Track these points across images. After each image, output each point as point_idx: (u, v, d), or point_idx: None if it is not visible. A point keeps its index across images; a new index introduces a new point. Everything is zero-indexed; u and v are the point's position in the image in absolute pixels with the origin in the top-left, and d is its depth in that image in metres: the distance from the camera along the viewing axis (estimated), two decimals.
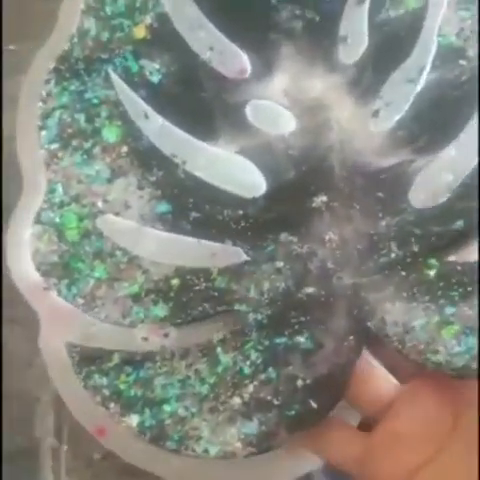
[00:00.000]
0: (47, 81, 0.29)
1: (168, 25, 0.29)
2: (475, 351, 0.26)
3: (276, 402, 0.26)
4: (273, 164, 0.28)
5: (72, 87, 0.28)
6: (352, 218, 0.27)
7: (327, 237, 0.27)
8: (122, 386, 0.27)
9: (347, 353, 0.26)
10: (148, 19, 0.29)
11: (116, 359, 0.28)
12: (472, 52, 0.28)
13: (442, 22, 0.28)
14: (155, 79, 0.29)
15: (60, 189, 0.28)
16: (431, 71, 0.28)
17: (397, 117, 0.27)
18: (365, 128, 0.27)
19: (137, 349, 0.27)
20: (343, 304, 0.27)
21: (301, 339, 0.27)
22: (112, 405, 0.27)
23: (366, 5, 0.29)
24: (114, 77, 0.28)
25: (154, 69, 0.29)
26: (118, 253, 0.28)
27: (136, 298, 0.28)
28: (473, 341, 0.26)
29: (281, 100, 0.28)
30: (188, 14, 0.29)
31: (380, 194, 0.27)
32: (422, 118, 0.27)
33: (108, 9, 0.28)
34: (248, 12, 0.29)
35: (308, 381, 0.26)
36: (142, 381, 0.27)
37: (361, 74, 0.28)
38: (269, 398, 0.27)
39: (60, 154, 0.28)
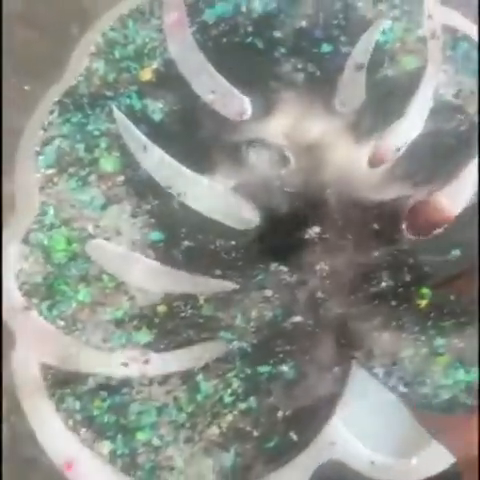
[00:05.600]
0: (51, 112, 0.38)
1: (173, 69, 0.39)
2: (463, 385, 0.34)
3: (255, 433, 0.33)
4: (268, 200, 0.37)
5: (74, 119, 0.38)
6: (345, 249, 0.35)
7: (318, 267, 0.35)
8: (96, 411, 0.34)
9: (331, 385, 0.34)
10: (155, 64, 0.40)
11: (91, 383, 0.34)
12: (471, 109, 0.38)
13: (440, 83, 0.39)
14: (157, 117, 0.38)
15: (51, 212, 0.37)
16: (429, 120, 0.38)
17: (394, 157, 0.37)
18: (362, 166, 0.37)
19: (114, 374, 0.34)
20: (330, 334, 0.34)
21: (285, 368, 0.34)
22: (83, 431, 0.34)
23: (364, 68, 0.41)
24: (116, 112, 0.38)
25: (157, 108, 0.38)
26: (105, 278, 0.36)
27: (119, 323, 0.35)
28: (462, 374, 0.33)
29: (279, 141, 0.38)
30: (193, 60, 0.39)
31: (375, 226, 0.35)
32: (419, 159, 0.37)
33: (117, 53, 0.39)
34: (252, 62, 0.39)
35: (289, 412, 0.33)
36: (117, 407, 0.34)
37: (359, 119, 0.38)
38: (248, 429, 0.33)
39: (55, 179, 0.37)
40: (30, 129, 0.39)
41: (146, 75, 0.39)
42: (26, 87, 0.40)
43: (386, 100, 0.39)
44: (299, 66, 0.39)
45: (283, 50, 0.39)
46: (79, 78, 0.39)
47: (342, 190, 0.37)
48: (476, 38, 0.40)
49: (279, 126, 0.38)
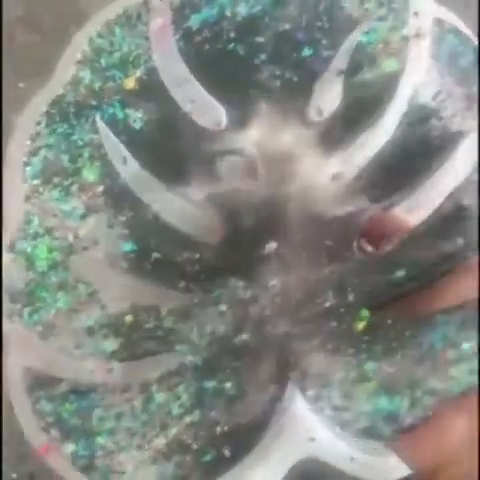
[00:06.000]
0: (38, 123, 0.40)
1: (155, 78, 0.40)
2: (384, 413, 0.34)
3: (194, 446, 0.36)
4: (235, 213, 0.38)
5: (60, 129, 0.40)
6: (297, 265, 0.36)
7: (271, 283, 0.37)
8: (65, 414, 0.38)
9: (267, 403, 0.36)
10: (138, 72, 0.41)
11: (63, 387, 0.38)
12: (446, 113, 0.38)
13: (419, 84, 0.39)
14: (137, 126, 0.40)
15: (36, 221, 0.40)
16: (399, 126, 0.38)
17: (358, 168, 0.38)
18: (325, 179, 0.38)
19: (82, 380, 0.38)
20: (271, 353, 0.36)
21: (228, 385, 0.36)
22: (53, 432, 0.38)
23: (343, 73, 0.41)
24: (99, 122, 0.40)
25: (137, 117, 0.40)
26: (81, 286, 0.39)
27: (90, 331, 0.38)
28: (384, 402, 0.34)
29: (252, 151, 0.39)
30: (175, 68, 0.40)
31: (328, 242, 0.36)
32: (382, 170, 0.37)
33: (103, 61, 0.41)
34: (232, 69, 0.40)
35: (226, 428, 0.36)
36: (83, 411, 0.37)
37: (330, 130, 0.38)
38: (189, 441, 0.36)
39: (41, 189, 0.40)
40: (17, 138, 0.42)
41: (129, 84, 0.41)
42: (21, 84, 0.43)
43: (361, 107, 0.39)
44: (277, 73, 0.40)
45: (263, 56, 0.40)
46: (67, 87, 0.41)
47: (304, 204, 0.38)
48: (465, 31, 0.39)
49: (252, 137, 0.39)
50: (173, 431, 0.37)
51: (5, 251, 0.40)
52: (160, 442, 0.37)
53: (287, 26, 0.40)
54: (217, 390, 0.36)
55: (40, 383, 0.39)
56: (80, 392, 0.38)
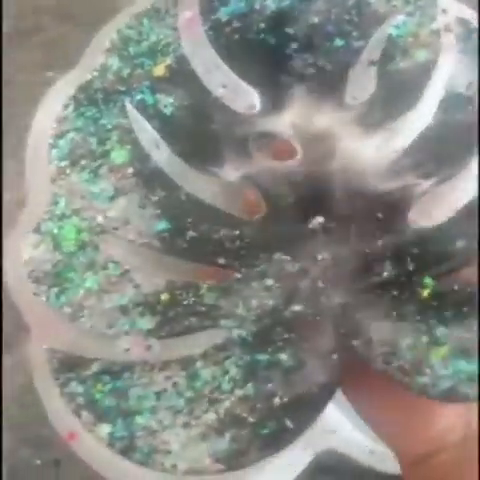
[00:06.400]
0: (66, 106, 0.40)
1: (186, 65, 0.41)
2: (463, 375, 0.34)
3: (251, 419, 0.34)
4: (274, 190, 0.38)
5: (88, 113, 0.40)
6: (348, 238, 0.36)
7: (320, 256, 0.37)
8: (97, 395, 0.36)
9: (329, 372, 0.35)
10: (168, 60, 0.42)
11: (95, 368, 0.36)
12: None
13: (452, 76, 0.40)
14: (168, 111, 0.40)
15: (63, 203, 0.39)
16: (439, 111, 0.39)
17: (403, 147, 0.39)
18: (369, 157, 0.38)
19: (117, 359, 0.36)
20: (330, 323, 0.35)
21: (283, 356, 0.35)
22: (85, 414, 0.36)
23: (376, 63, 0.42)
24: (129, 107, 0.40)
25: (168, 102, 0.40)
26: (111, 266, 0.38)
27: (124, 310, 0.37)
28: (462, 364, 0.34)
29: (287, 132, 0.40)
30: (205, 56, 0.41)
31: (379, 215, 0.37)
32: (427, 149, 0.38)
33: (131, 50, 0.41)
34: (263, 58, 0.41)
35: (285, 399, 0.34)
36: (118, 391, 0.36)
37: (369, 111, 0.39)
38: (244, 415, 0.34)
39: (68, 171, 0.39)
40: (41, 121, 0.41)
41: (159, 71, 0.42)
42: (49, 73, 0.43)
43: (397, 92, 0.40)
44: (310, 61, 0.41)
45: (295, 46, 0.41)
46: (94, 73, 0.42)
47: (348, 180, 0.38)
48: None
49: (287, 119, 0.40)
50: (225, 406, 0.35)
51: (30, 233, 0.39)
52: (210, 418, 0.35)
53: (316, 19, 0.42)
54: (271, 362, 0.35)
55: (69, 365, 0.37)
56: (114, 372, 0.37)
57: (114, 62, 0.42)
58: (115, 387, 0.37)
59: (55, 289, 0.38)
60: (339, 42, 0.41)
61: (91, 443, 0.36)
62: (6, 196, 0.42)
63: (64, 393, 0.37)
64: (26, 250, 0.39)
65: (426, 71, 0.40)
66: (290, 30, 0.42)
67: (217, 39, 0.42)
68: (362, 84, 0.41)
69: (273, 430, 0.34)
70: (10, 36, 0.44)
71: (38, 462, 0.41)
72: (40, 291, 0.38)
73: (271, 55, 0.42)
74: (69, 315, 0.38)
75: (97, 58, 0.42)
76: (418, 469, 0.36)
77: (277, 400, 0.35)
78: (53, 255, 0.39)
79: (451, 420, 0.35)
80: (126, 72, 0.42)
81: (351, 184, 0.38)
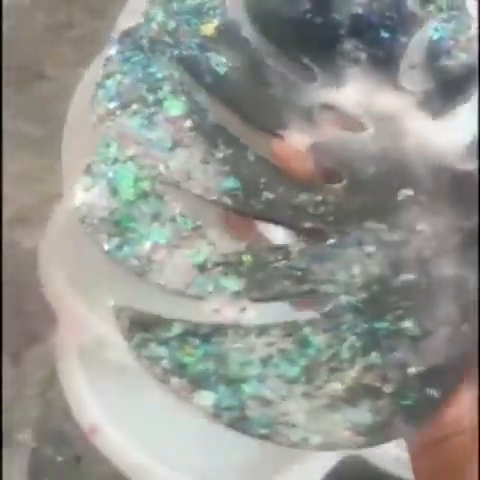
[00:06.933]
0: (110, 48, 0.36)
1: (236, 31, 0.38)
2: None
3: (386, 390, 0.31)
4: (349, 161, 0.35)
5: (135, 58, 0.36)
6: (443, 212, 0.34)
7: (419, 227, 0.34)
8: (187, 359, 0.30)
9: (462, 342, 0.32)
10: (216, 21, 0.38)
11: (177, 329, 0.31)
12: None
13: None
14: (221, 70, 0.37)
15: (115, 146, 0.34)
16: None
17: (471, 132, 0.37)
18: (442, 140, 0.37)
19: (205, 321, 0.31)
20: (449, 292, 0.33)
21: (407, 325, 0.32)
22: (176, 380, 0.30)
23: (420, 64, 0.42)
24: (179, 59, 0.36)
25: (221, 62, 0.37)
26: (180, 220, 0.33)
27: (201, 268, 0.32)
28: None
29: (352, 106, 0.37)
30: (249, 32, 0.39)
31: (469, 192, 0.35)
32: None
33: (175, 5, 0.38)
34: (314, 36, 0.39)
35: (421, 369, 0.31)
36: (214, 356, 0.30)
37: (429, 99, 0.38)
38: (377, 385, 0.31)
39: (118, 112, 0.34)
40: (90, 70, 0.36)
41: (208, 30, 0.38)
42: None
43: (450, 86, 0.39)
44: (360, 46, 0.39)
45: (342, 31, 0.40)
46: (138, 20, 0.37)
47: (429, 158, 0.36)
48: None
49: (350, 95, 0.38)
50: (350, 374, 0.31)
51: (81, 174, 0.33)
52: (334, 387, 0.31)
53: (360, 10, 0.40)
54: (393, 331, 0.32)
55: (143, 325, 0.31)
56: (202, 334, 0.31)
57: (158, 13, 0.38)
58: (208, 351, 0.30)
59: (115, 239, 0.32)
60: (385, 34, 0.40)
61: (111, 438, 0.30)
62: None
63: (142, 356, 0.30)
64: (77, 194, 0.32)
65: (472, 69, 0.40)
66: (336, 15, 0.40)
67: (257, 14, 0.39)
68: (413, 75, 0.39)
69: (417, 401, 0.31)
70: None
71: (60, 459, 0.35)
72: (99, 239, 0.32)
73: (321, 34, 0.39)
74: (135, 269, 0.31)
75: (139, 6, 0.37)
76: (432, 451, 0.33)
77: (412, 370, 0.31)
78: (109, 202, 0.33)
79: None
80: (171, 26, 0.38)
81: (433, 161, 0.36)
